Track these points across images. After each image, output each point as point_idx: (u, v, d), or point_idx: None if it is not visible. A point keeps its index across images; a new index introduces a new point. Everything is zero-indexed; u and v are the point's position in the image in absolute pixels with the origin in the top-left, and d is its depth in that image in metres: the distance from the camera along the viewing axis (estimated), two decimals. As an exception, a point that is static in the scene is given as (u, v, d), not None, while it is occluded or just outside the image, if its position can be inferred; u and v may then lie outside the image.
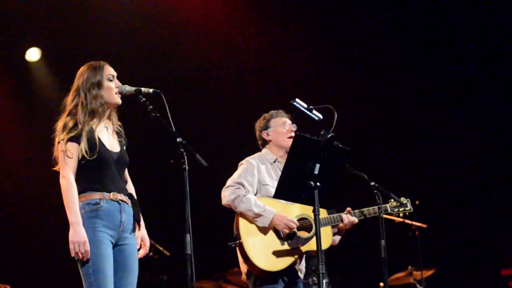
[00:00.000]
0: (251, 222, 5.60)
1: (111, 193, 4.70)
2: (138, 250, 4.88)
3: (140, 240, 4.91)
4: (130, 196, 4.86)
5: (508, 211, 10.54)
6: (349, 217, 5.84)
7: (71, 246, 4.51)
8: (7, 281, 7.56)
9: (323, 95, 9.84)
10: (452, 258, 10.63)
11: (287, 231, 5.57)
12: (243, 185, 5.66)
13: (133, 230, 4.82)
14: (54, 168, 4.77)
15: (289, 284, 5.65)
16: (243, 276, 5.77)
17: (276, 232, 5.60)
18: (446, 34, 10.35)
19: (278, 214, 5.57)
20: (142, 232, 4.93)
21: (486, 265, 10.67)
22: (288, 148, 5.71)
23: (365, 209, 6.00)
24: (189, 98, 10.42)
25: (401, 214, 6.10)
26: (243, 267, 5.70)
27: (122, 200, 4.75)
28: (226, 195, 5.65)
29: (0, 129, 10.29)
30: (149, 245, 4.98)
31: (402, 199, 6.13)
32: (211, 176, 7.91)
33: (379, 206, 5.80)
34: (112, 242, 4.68)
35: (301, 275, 5.77)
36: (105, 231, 4.63)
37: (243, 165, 5.84)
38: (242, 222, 5.60)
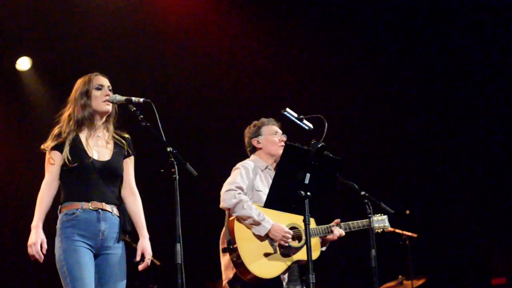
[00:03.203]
0: (246, 228, 5.57)
1: (90, 202, 4.73)
2: (140, 261, 4.89)
3: (140, 252, 4.93)
4: (119, 205, 4.85)
5: (498, 221, 10.57)
6: (338, 229, 5.85)
7: (28, 249, 4.63)
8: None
9: (313, 104, 9.86)
10: (442, 268, 10.65)
11: (283, 243, 5.56)
12: (242, 190, 5.63)
13: (118, 239, 4.81)
14: None
15: None
16: (224, 284, 5.70)
17: (270, 240, 5.59)
18: (436, 41, 10.39)
19: (276, 224, 5.55)
20: (143, 244, 4.98)
21: (477, 274, 10.69)
22: (278, 157, 5.73)
23: (351, 222, 6.01)
24: (179, 107, 10.43)
25: (379, 231, 6.07)
26: (228, 273, 5.62)
27: (103, 209, 4.75)
28: (227, 199, 5.58)
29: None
30: (150, 258, 4.97)
31: (379, 215, 6.13)
32: (201, 186, 7.93)
33: (370, 215, 5.81)
34: (91, 251, 4.70)
35: (284, 284, 5.78)
36: (81, 239, 4.66)
37: (239, 169, 5.78)
38: (237, 227, 5.56)
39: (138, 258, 4.92)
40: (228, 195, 5.58)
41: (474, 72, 10.47)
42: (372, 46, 10.50)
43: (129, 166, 4.99)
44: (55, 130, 4.82)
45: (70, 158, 4.71)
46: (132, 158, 5.01)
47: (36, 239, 4.61)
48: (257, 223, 5.52)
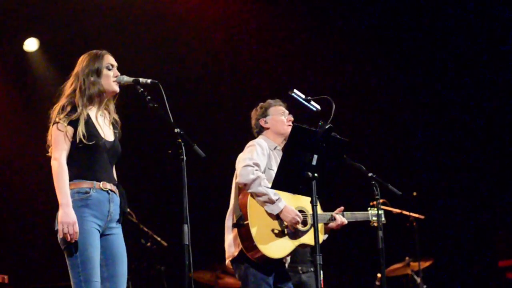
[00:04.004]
0: (259, 205, 5.56)
1: (101, 182, 4.70)
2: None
3: None
4: (118, 186, 4.85)
5: (506, 202, 10.56)
6: (341, 217, 5.85)
7: (59, 227, 4.49)
8: (5, 271, 7.54)
9: (320, 86, 9.85)
10: (449, 249, 10.65)
11: (293, 225, 5.56)
12: (259, 167, 5.62)
13: (120, 220, 4.82)
14: (48, 154, 4.75)
15: (278, 274, 5.64)
16: (228, 262, 5.70)
17: (280, 220, 5.59)
18: (443, 26, 10.36)
19: (288, 206, 5.55)
20: None
21: (484, 256, 10.69)
22: (287, 136, 5.72)
23: (357, 212, 6.02)
24: (187, 88, 10.42)
25: (375, 224, 6.05)
26: (233, 251, 5.62)
27: (111, 190, 4.75)
28: (244, 174, 5.52)
29: (-2, 120, 10.30)
30: None
31: (373, 211, 6.10)
32: (209, 167, 7.94)
33: (377, 197, 5.82)
34: (99, 232, 4.67)
35: (286, 265, 5.80)
36: (93, 220, 4.62)
37: (254, 146, 5.74)
38: (251, 204, 5.54)
39: None
40: (245, 171, 5.53)
41: (487, 54, 10.43)
42: (381, 27, 10.46)
43: None
44: (68, 105, 4.70)
45: (86, 135, 4.63)
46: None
47: (74, 218, 4.50)
48: (272, 201, 5.51)
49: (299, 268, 6.19)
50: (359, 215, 6.05)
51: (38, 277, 9.97)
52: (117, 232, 4.79)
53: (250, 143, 5.83)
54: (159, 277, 9.39)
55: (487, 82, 10.54)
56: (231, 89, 10.67)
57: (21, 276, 9.17)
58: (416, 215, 9.06)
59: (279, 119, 5.97)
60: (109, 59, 4.89)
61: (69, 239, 4.50)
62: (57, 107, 4.75)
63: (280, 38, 10.60)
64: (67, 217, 4.49)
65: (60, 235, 4.52)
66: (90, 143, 4.65)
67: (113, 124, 4.92)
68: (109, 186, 4.74)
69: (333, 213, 5.85)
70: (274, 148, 5.89)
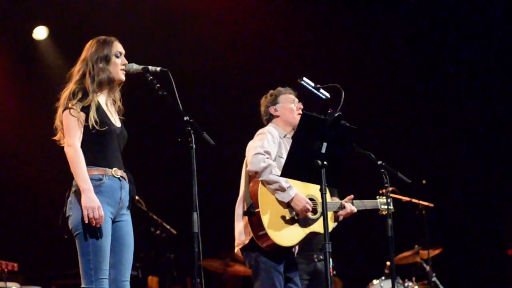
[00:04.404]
0: (270, 193, 5.56)
1: (113, 169, 4.71)
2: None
3: None
4: (126, 172, 4.86)
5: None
6: (350, 206, 5.85)
7: (85, 212, 4.49)
8: (15, 259, 7.59)
9: (329, 74, 9.83)
10: (458, 238, 10.65)
11: (304, 213, 5.56)
12: (270, 155, 5.61)
13: (129, 207, 4.83)
14: (56, 137, 4.77)
15: (286, 262, 5.64)
16: (237, 250, 5.70)
17: (291, 208, 5.58)
18: (452, 8, 10.32)
19: (299, 194, 5.54)
20: None
21: (493, 245, 10.68)
22: (296, 125, 5.72)
23: (366, 201, 6.01)
24: (196, 76, 10.42)
25: (384, 212, 6.05)
26: (244, 239, 5.61)
27: (122, 177, 4.77)
28: (255, 162, 5.50)
29: (7, 107, 10.32)
30: None
31: (382, 199, 6.09)
32: (218, 154, 7.94)
33: (386, 185, 5.81)
34: (111, 219, 4.69)
35: (295, 253, 5.81)
36: (106, 208, 4.62)
37: (265, 134, 5.73)
38: (261, 192, 5.53)
39: None
40: (256, 159, 5.52)
41: (498, 40, 10.40)
42: (391, 14, 10.44)
43: None
44: (79, 91, 4.70)
45: (98, 121, 4.64)
46: None
47: (98, 202, 4.51)
48: (283, 189, 5.50)
49: (315, 256, 6.20)
50: (368, 204, 6.05)
51: (47, 265, 10.01)
52: (127, 219, 4.81)
53: (261, 131, 5.82)
54: (169, 265, 9.41)
55: (498, 67, 10.50)
56: (241, 76, 10.66)
57: (31, 264, 9.22)
58: (426, 203, 9.06)
59: (288, 107, 5.96)
60: (118, 47, 4.89)
61: (94, 223, 4.51)
62: (66, 91, 4.75)
63: (290, 26, 10.58)
64: (91, 201, 4.51)
65: (85, 220, 4.51)
66: (103, 129, 4.67)
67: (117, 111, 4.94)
68: (120, 172, 4.75)
69: (343, 202, 5.85)
70: (284, 136, 5.88)
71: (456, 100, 10.72)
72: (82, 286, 4.58)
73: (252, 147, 5.62)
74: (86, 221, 4.50)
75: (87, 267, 4.56)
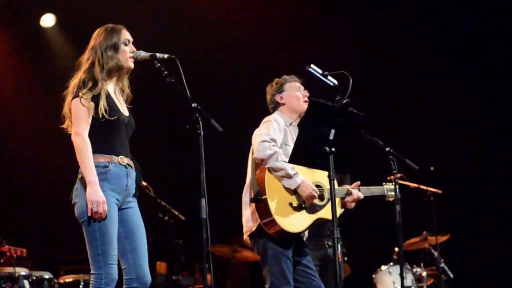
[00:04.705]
0: (276, 180, 5.58)
1: (119, 157, 4.73)
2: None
3: None
4: (133, 160, 4.88)
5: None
6: (357, 192, 5.85)
7: (89, 205, 4.52)
8: (24, 245, 7.63)
9: (337, 61, 9.81)
10: (467, 224, 10.64)
11: (310, 200, 5.57)
12: (276, 142, 5.62)
13: (135, 195, 4.85)
14: (64, 125, 4.78)
15: (296, 248, 5.66)
16: (246, 237, 5.73)
17: (297, 195, 5.60)
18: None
19: (306, 180, 5.55)
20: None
21: (501, 231, 10.68)
22: (302, 112, 5.74)
23: (372, 187, 6.01)
24: (203, 63, 10.42)
25: (390, 199, 6.04)
26: (251, 226, 5.63)
27: (128, 165, 4.78)
28: (261, 150, 5.50)
29: (15, 95, 10.35)
30: None
31: (388, 185, 6.08)
32: (226, 141, 7.94)
33: (394, 171, 5.81)
34: (117, 205, 4.71)
35: (305, 239, 5.82)
36: (112, 195, 4.65)
37: (270, 122, 5.72)
38: (268, 179, 5.54)
39: None
40: (262, 146, 5.52)
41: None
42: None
43: None
44: (89, 80, 4.70)
45: (108, 110, 4.65)
46: None
47: (103, 197, 4.54)
48: (289, 176, 5.51)
49: (326, 242, 6.21)
50: (374, 190, 6.05)
51: (56, 251, 10.07)
52: (134, 206, 4.84)
53: (266, 118, 5.83)
54: (177, 251, 9.46)
55: (504, 53, 10.47)
56: (248, 63, 10.65)
57: (39, 249, 9.26)
58: (434, 190, 9.06)
59: (294, 95, 5.96)
60: (126, 35, 4.89)
61: (96, 217, 4.55)
62: (75, 79, 4.75)
63: (297, 13, 10.56)
64: (96, 195, 4.54)
65: (88, 213, 4.55)
66: (112, 118, 4.68)
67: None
68: (126, 160, 4.77)
69: (349, 188, 5.85)
70: (290, 124, 5.88)
71: (465, 85, 10.69)
72: (92, 272, 4.60)
73: (258, 135, 5.64)
74: (89, 214, 4.54)
75: (95, 253, 4.59)
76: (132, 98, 4.98)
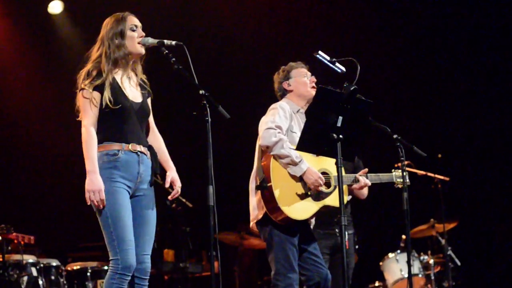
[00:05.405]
0: (282, 168, 5.57)
1: (130, 144, 4.73)
2: (170, 189, 4.94)
3: (170, 181, 4.96)
4: (149, 147, 4.88)
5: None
6: (364, 179, 5.84)
7: (86, 195, 4.56)
8: (32, 232, 7.65)
9: (344, 47, 9.79)
10: (474, 211, 10.63)
11: (316, 187, 5.56)
12: (281, 129, 5.61)
13: (151, 182, 4.86)
14: (78, 119, 4.79)
15: (302, 235, 5.66)
16: (252, 224, 5.73)
17: (303, 182, 5.59)
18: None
19: (311, 168, 5.55)
20: (172, 174, 4.99)
21: (509, 218, 10.66)
22: (310, 98, 5.73)
23: (381, 174, 6.00)
24: (211, 50, 10.40)
25: (399, 186, 6.02)
26: (258, 214, 5.64)
27: (140, 152, 4.79)
28: (267, 137, 5.51)
29: (23, 82, 10.36)
30: (180, 186, 4.99)
31: (397, 172, 6.06)
32: (233, 128, 7.94)
33: (402, 158, 5.80)
34: (129, 193, 4.72)
35: (311, 227, 5.82)
36: (122, 181, 4.67)
37: (276, 109, 5.72)
38: (273, 166, 5.54)
39: (167, 185, 4.93)
40: (268, 133, 5.52)
41: None
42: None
43: (150, 106, 5.01)
44: (93, 70, 4.72)
45: (112, 99, 4.67)
46: (150, 98, 5.02)
47: (100, 186, 4.56)
48: (295, 163, 5.50)
49: (337, 230, 6.20)
50: (383, 177, 6.04)
51: (64, 238, 10.09)
52: (147, 193, 4.85)
53: (273, 106, 5.82)
54: (184, 238, 9.46)
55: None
56: (255, 51, 10.64)
57: (47, 237, 9.28)
58: (441, 177, 9.05)
59: (302, 81, 5.95)
60: (133, 20, 4.89)
61: (96, 205, 4.58)
62: (82, 72, 4.77)
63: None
64: (92, 184, 4.56)
65: (87, 203, 4.59)
66: (117, 107, 4.68)
67: (141, 85, 4.93)
68: (138, 147, 4.77)
69: (357, 175, 5.85)
70: (297, 111, 5.87)
71: (473, 73, 10.66)
72: (110, 258, 4.63)
73: (264, 122, 5.63)
74: (88, 203, 4.58)
75: (111, 239, 4.61)
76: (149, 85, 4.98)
